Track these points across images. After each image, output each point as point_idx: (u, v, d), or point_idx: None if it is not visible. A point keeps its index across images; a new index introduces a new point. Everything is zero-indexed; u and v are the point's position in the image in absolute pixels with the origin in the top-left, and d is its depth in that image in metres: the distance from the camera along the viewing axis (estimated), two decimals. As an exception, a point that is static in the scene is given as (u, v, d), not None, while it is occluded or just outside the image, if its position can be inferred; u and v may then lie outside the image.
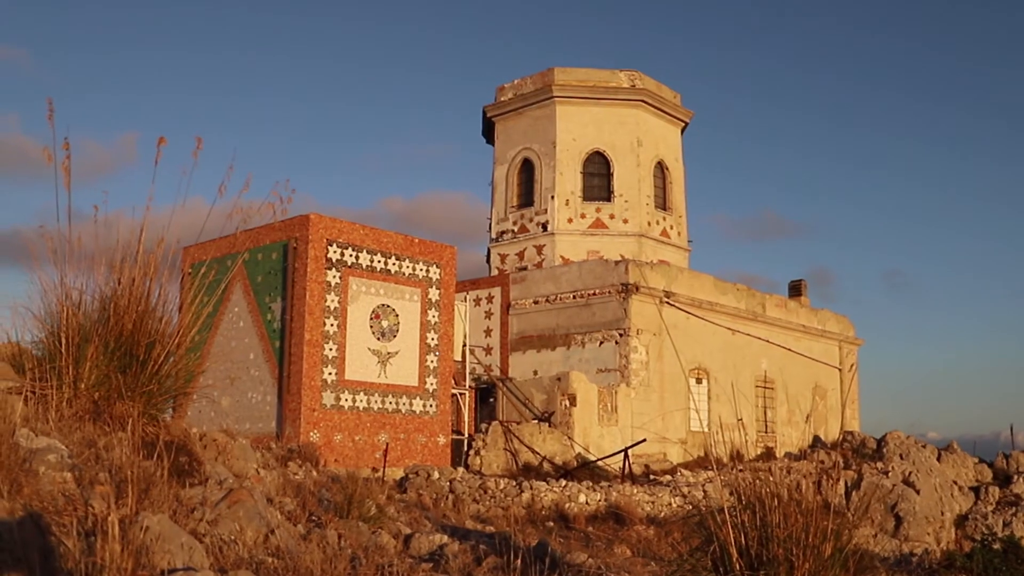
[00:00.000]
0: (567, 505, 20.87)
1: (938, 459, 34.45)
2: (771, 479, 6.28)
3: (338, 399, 22.49)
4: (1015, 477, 34.92)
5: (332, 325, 22.61)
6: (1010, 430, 42.17)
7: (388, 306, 23.85)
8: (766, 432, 35.11)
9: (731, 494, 6.34)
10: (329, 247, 22.83)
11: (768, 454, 33.01)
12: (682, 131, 39.45)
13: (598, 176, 36.36)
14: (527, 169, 37.07)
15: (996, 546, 25.96)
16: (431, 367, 24.60)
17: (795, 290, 40.71)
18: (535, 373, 31.31)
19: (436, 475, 21.05)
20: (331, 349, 22.52)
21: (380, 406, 23.32)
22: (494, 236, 37.50)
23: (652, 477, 26.27)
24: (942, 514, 30.50)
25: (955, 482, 33.44)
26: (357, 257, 23.33)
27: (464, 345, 27.81)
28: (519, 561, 6.52)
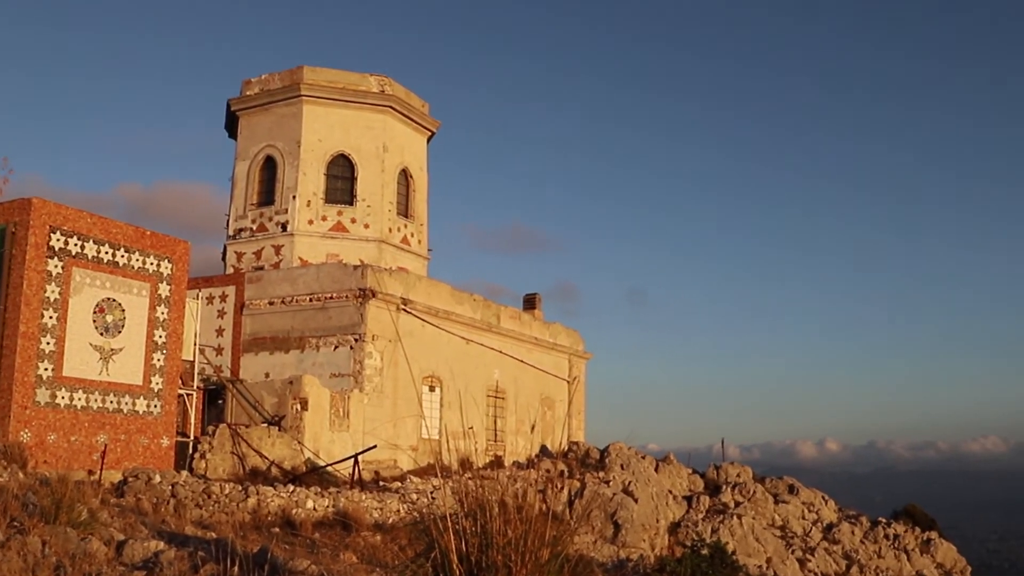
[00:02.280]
0: (294, 511, 20.51)
1: (656, 469, 36.22)
2: (498, 487, 6.36)
3: (54, 397, 21.14)
4: (724, 487, 37.18)
5: (51, 318, 21.24)
6: (722, 444, 44.97)
7: (114, 300, 22.64)
8: (496, 441, 35.78)
9: (456, 501, 6.37)
10: (52, 234, 21.44)
11: (497, 462, 33.66)
12: (428, 140, 39.71)
13: (342, 179, 36.03)
14: (270, 167, 36.25)
15: (704, 551, 27.49)
16: (157, 366, 23.54)
17: (529, 303, 41.78)
18: (267, 376, 30.63)
19: (157, 479, 20.19)
20: (48, 343, 21.14)
21: (100, 405, 22.08)
22: (231, 233, 36.43)
23: (382, 483, 26.23)
24: (657, 521, 32.03)
25: (670, 491, 35.23)
26: (83, 247, 22.04)
27: (194, 344, 26.81)
28: (236, 568, 6.31)
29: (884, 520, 40.26)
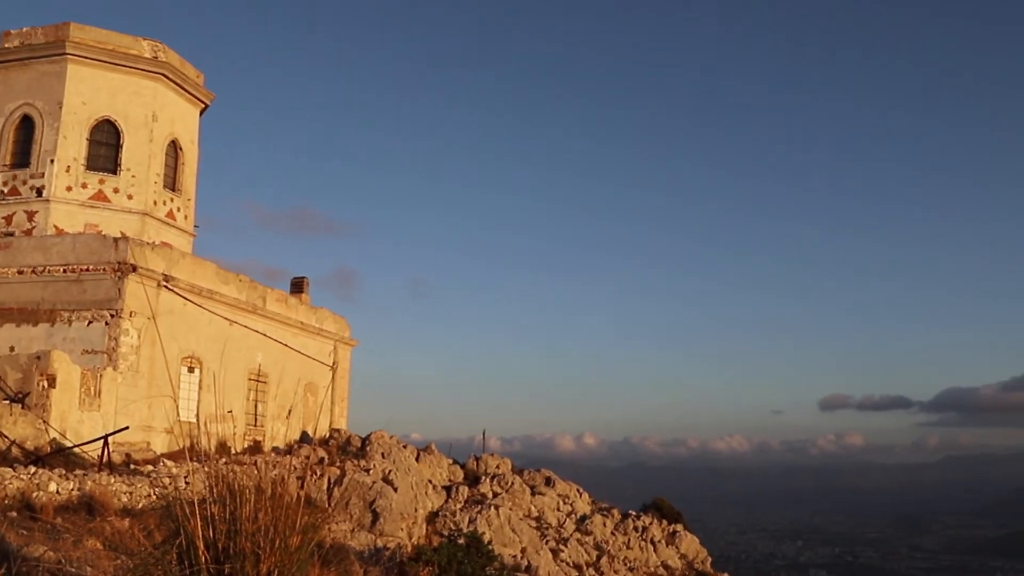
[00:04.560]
0: (35, 494, 19.38)
1: (417, 459, 36.37)
2: (255, 472, 6.18)
3: None
4: (483, 478, 37.75)
5: None
6: (483, 435, 45.61)
7: None
8: (256, 426, 34.97)
9: (206, 486, 6.14)
10: None
11: (256, 447, 32.92)
12: (202, 112, 38.38)
13: (106, 146, 34.31)
14: (27, 127, 34.04)
15: (461, 541, 27.80)
16: None
17: (297, 287, 41.08)
18: (12, 349, 28.83)
19: None
20: None
21: None
22: (-21, 195, 34.06)
23: (133, 467, 25.24)
24: (416, 511, 32.14)
25: (430, 481, 35.46)
26: None
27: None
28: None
29: (634, 513, 41.90)
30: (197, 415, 30.81)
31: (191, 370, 31.49)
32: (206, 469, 6.60)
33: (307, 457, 31.60)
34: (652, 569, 38.48)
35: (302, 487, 6.70)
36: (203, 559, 5.65)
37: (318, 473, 30.38)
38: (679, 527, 42.61)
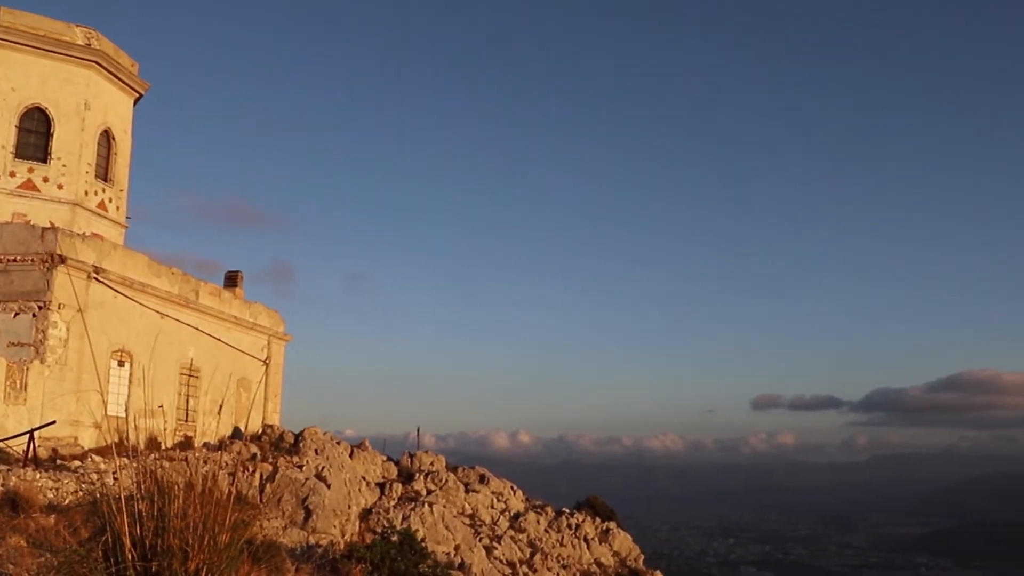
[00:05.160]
0: (-45, 489, 18.92)
1: (351, 455, 36.14)
2: (186, 468, 6.05)
3: None
4: (417, 475, 37.61)
5: None
6: (417, 432, 45.47)
7: None
8: (187, 421, 34.47)
9: (135, 482, 6.00)
10: None
11: (187, 443, 32.46)
12: (136, 102, 37.74)
13: (36, 134, 33.60)
14: (-48, 113, 33.26)
15: (394, 538, 27.70)
16: None
17: (231, 281, 40.55)
18: (-65, 341, 28.11)
19: None
20: None
21: None
22: (-98, 183, 33.15)
23: (60, 462, 24.73)
24: (349, 508, 31.92)
25: (364, 478, 35.24)
26: None
27: None
28: None
29: (568, 510, 42.05)
30: (127, 410, 30.26)
31: (121, 364, 30.93)
32: (135, 465, 6.46)
33: (239, 453, 31.24)
34: (585, 567, 38.63)
35: (233, 483, 6.58)
36: (130, 556, 5.52)
37: (250, 469, 30.03)
38: (612, 525, 42.84)
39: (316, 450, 33.56)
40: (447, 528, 34.17)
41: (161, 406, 31.63)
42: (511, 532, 37.42)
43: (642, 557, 42.68)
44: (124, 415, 30.17)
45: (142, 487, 5.78)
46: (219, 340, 36.63)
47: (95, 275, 29.62)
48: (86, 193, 34.17)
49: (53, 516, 18.66)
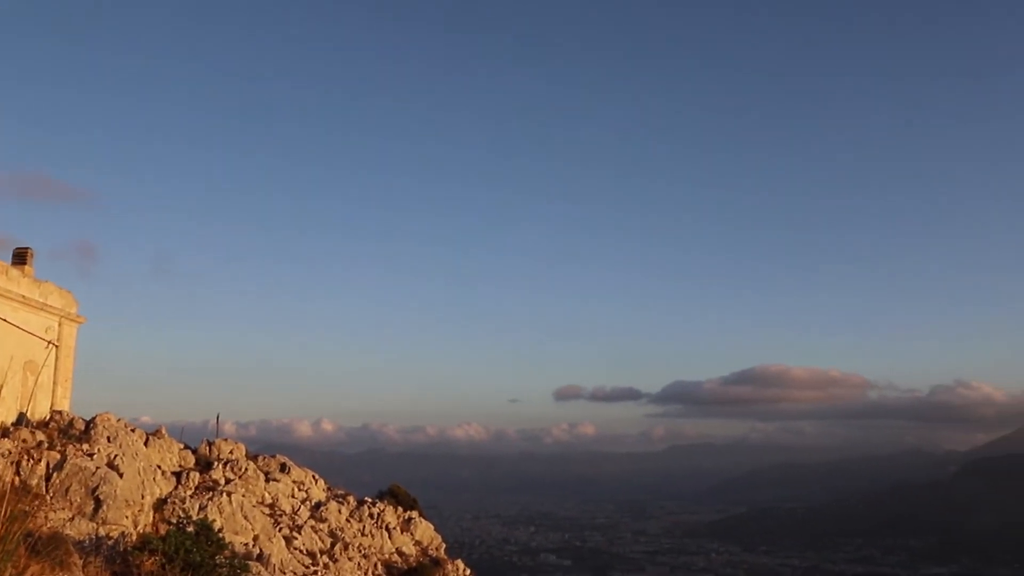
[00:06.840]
0: None
1: (146, 443, 34.82)
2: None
3: None
4: (216, 464, 36.59)
5: None
6: (216, 419, 44.26)
7: None
8: (-33, 406, 32.46)
9: None
10: None
11: (-34, 430, 30.59)
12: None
13: None
14: None
15: (190, 529, 26.86)
16: None
17: (20, 258, 38.35)
18: None
19: None
20: None
21: None
22: None
23: None
24: (143, 497, 30.80)
25: (159, 466, 34.04)
26: None
27: None
28: None
29: (370, 500, 41.77)
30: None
31: None
32: None
33: (24, 440, 29.64)
34: (387, 556, 38.47)
35: (17, 473, 6.12)
36: None
37: (35, 458, 28.51)
38: (414, 514, 42.82)
39: (108, 438, 32.20)
40: (246, 518, 33.39)
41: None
42: (312, 522, 36.88)
43: (444, 546, 42.83)
44: None
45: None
46: (3, 320, 34.60)
47: None
48: None
49: None
